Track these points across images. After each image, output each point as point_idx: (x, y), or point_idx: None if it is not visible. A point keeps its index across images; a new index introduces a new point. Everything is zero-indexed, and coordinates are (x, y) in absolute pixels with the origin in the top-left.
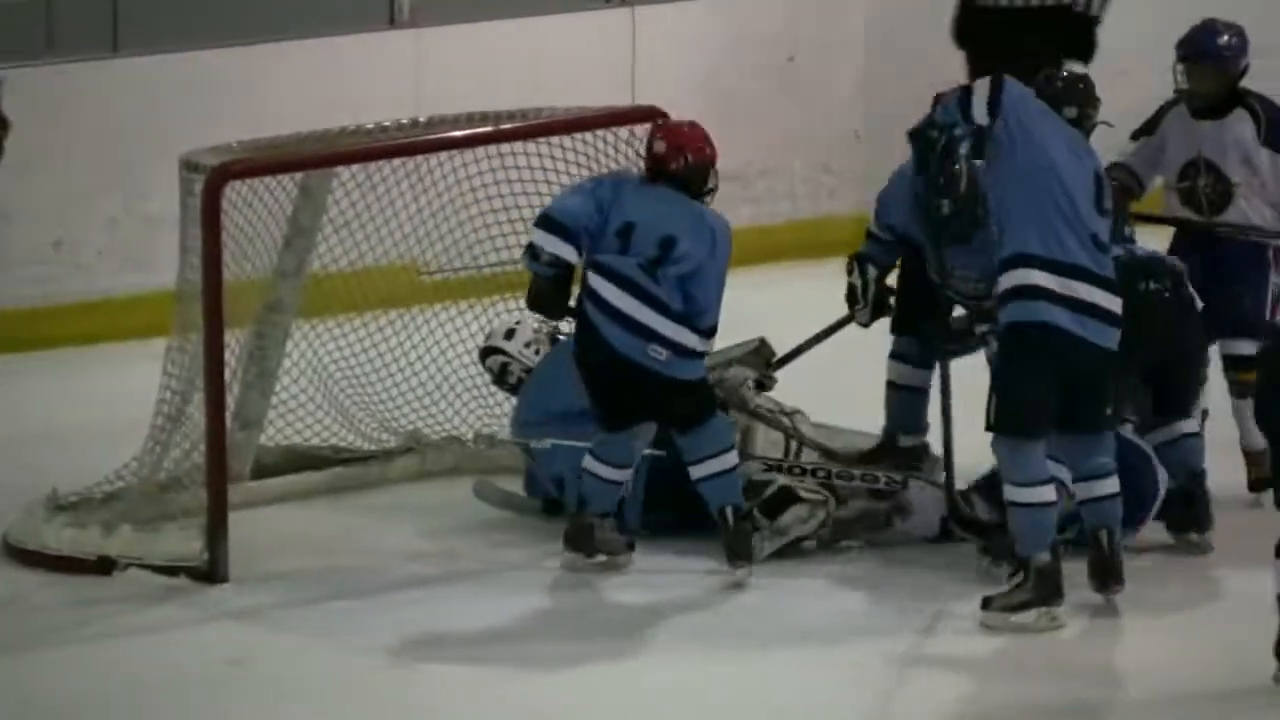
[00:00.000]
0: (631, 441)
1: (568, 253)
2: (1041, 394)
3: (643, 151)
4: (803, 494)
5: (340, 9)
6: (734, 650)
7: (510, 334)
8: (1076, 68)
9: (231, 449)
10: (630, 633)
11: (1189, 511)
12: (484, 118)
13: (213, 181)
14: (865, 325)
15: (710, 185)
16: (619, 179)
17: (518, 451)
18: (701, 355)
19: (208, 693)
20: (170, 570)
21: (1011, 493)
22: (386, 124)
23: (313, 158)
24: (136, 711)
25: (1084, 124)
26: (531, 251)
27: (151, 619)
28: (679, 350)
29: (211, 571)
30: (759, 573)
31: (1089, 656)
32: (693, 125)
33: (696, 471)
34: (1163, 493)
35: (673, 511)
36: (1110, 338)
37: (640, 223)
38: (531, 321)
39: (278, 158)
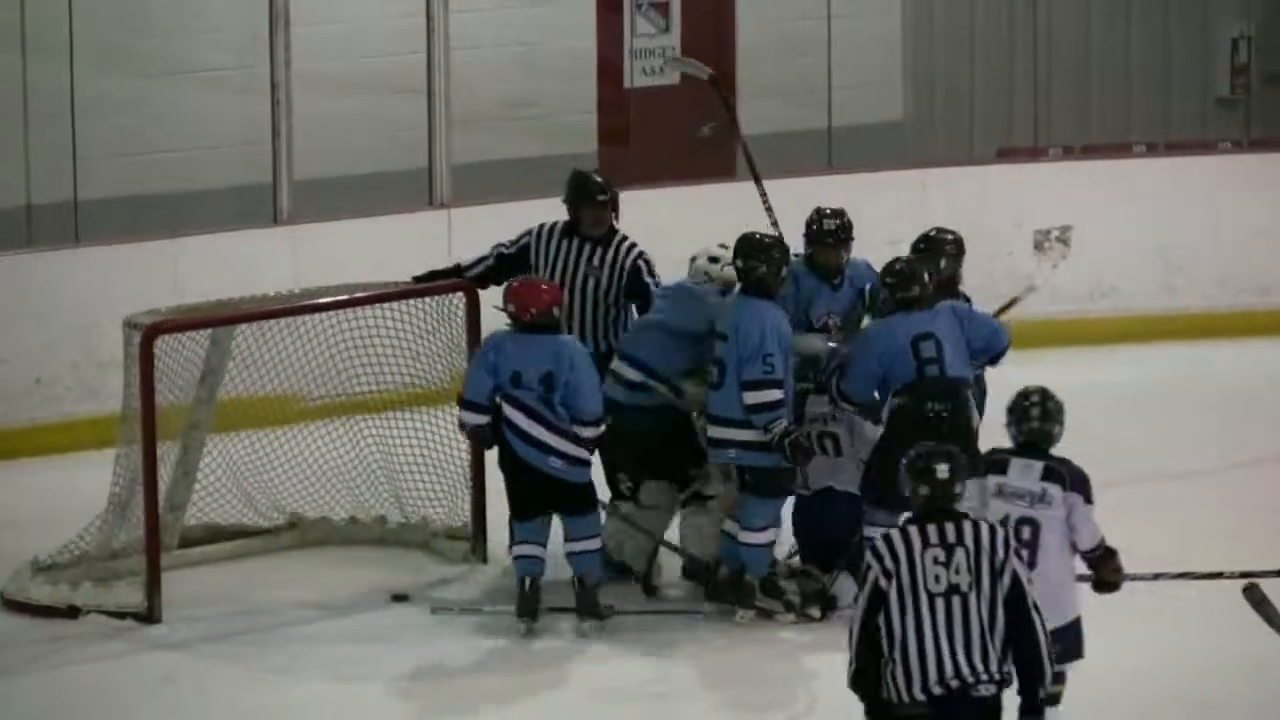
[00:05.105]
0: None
1: (483, 419)
2: None
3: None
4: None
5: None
6: None
7: None
8: None
9: (163, 527)
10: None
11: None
12: (338, 289)
13: (147, 335)
14: None
15: (555, 317)
16: (498, 340)
17: (369, 530)
18: (588, 464)
19: (149, 701)
20: (120, 615)
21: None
22: (270, 293)
23: (220, 317)
24: (95, 713)
25: None
26: (461, 423)
27: (106, 650)
28: (571, 461)
29: (150, 615)
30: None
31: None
32: (527, 282)
33: (571, 547)
34: None
35: None
36: None
37: (523, 369)
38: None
39: (194, 318)
